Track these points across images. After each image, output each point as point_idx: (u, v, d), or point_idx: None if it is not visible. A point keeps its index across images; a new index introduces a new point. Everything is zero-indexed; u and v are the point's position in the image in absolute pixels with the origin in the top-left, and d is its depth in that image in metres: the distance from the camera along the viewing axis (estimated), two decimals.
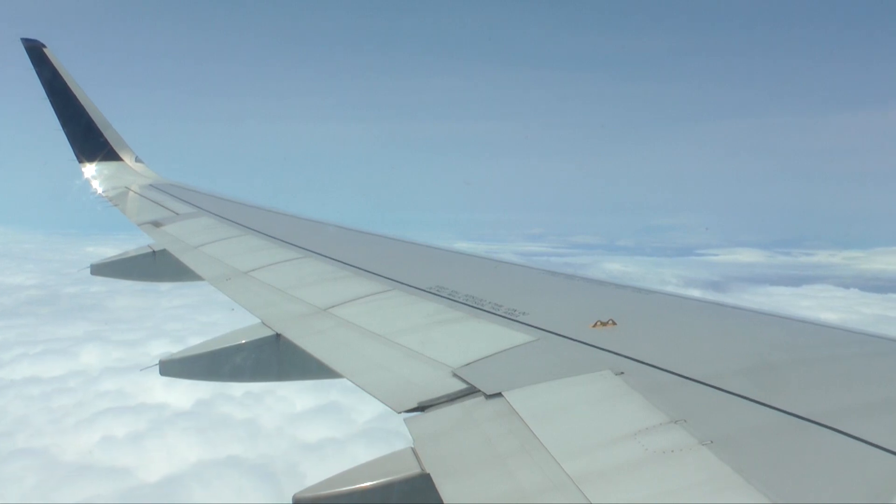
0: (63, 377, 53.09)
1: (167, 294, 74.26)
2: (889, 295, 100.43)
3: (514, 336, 3.94)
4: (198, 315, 66.71)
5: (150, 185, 11.88)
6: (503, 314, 4.35)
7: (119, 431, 43.73)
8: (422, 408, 3.28)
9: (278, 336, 4.68)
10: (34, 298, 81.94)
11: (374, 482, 2.80)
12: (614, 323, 3.97)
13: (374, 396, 3.52)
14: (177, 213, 9.53)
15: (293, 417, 45.92)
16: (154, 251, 7.82)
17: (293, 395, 46.93)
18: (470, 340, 3.98)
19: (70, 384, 52.02)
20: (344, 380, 4.58)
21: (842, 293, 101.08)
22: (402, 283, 5.31)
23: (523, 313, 4.31)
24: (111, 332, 64.42)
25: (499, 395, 3.19)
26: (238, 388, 47.29)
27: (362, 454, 39.78)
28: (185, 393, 47.84)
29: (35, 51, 12.09)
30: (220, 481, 37.31)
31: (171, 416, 46.13)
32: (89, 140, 12.66)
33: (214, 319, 63.46)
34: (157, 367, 4.95)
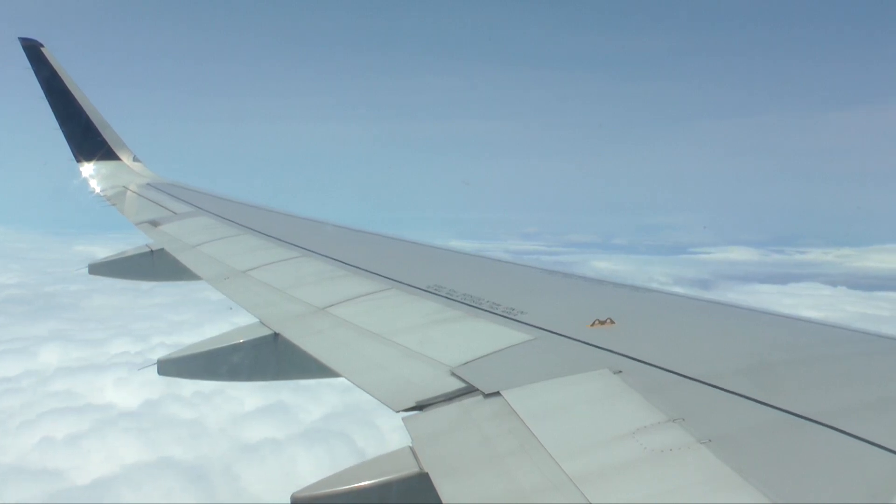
0: (17, 377, 52.65)
1: (147, 293, 74.03)
2: (875, 293, 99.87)
3: (512, 335, 3.93)
4: (169, 314, 66.74)
5: (148, 184, 11.87)
6: (501, 313, 4.35)
7: (60, 433, 43.19)
8: (420, 407, 3.28)
9: (276, 335, 4.68)
10: (12, 297, 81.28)
11: (373, 481, 2.80)
12: (613, 322, 3.97)
13: (373, 396, 3.52)
14: (175, 213, 9.52)
15: (239, 417, 45.52)
16: (152, 250, 7.81)
17: (244, 394, 46.59)
18: (468, 339, 3.97)
19: (23, 384, 51.58)
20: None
21: (828, 291, 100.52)
22: (400, 283, 5.30)
23: (521, 312, 4.31)
24: (77, 332, 64.17)
25: (497, 394, 3.19)
26: (188, 388, 47.10)
27: (300, 455, 38.93)
28: (135, 393, 47.63)
29: (33, 50, 12.06)
30: (151, 483, 36.95)
31: (116, 416, 45.64)
32: (87, 139, 12.64)
33: (185, 318, 62.66)
34: (156, 366, 4.94)
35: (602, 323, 3.96)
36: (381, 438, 40.61)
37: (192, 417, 45.39)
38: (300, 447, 40.24)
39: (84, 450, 41.33)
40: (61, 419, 44.97)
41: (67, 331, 64.70)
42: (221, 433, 43.51)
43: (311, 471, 37.32)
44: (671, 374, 3.15)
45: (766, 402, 2.76)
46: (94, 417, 45.35)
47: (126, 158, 13.08)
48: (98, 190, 11.91)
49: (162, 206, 10.05)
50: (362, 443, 40.43)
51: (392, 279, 5.41)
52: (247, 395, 46.53)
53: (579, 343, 3.71)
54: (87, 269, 8.16)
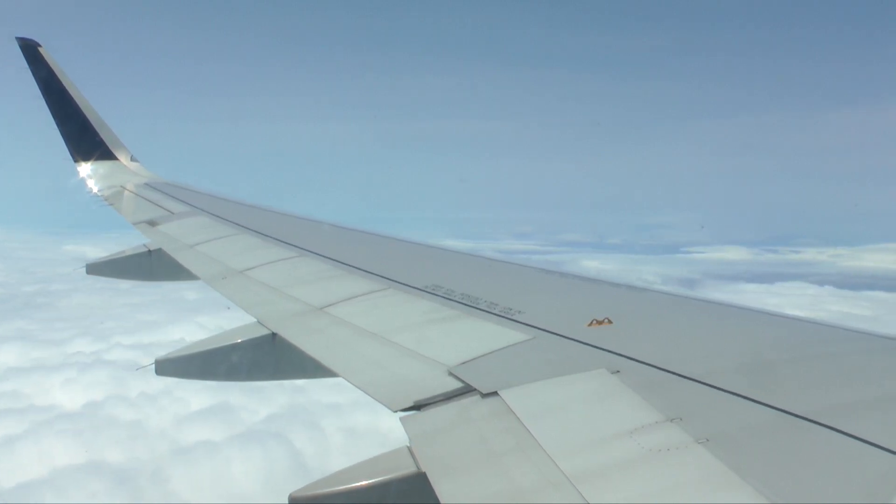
0: None
1: (126, 292, 73.79)
2: (862, 292, 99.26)
3: (509, 335, 3.93)
4: (140, 314, 66.45)
5: (146, 184, 11.86)
6: (499, 313, 4.35)
7: None
8: (418, 406, 3.28)
9: (274, 335, 4.67)
10: None
11: (371, 481, 2.80)
12: (610, 321, 3.97)
13: (370, 395, 3.51)
14: (172, 213, 9.51)
15: (181, 419, 44.67)
16: (150, 250, 7.80)
17: (190, 395, 45.73)
18: (466, 339, 3.97)
19: None
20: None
21: (814, 290, 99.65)
22: (397, 282, 5.30)
23: (519, 312, 4.31)
24: (42, 331, 63.58)
25: (495, 393, 3.19)
26: (133, 389, 46.70)
27: (235, 457, 38.28)
28: (81, 394, 47.13)
29: (30, 49, 12.04)
30: (76, 487, 36.12)
31: (55, 418, 44.68)
32: (84, 139, 12.62)
33: (154, 318, 62.40)
34: (154, 366, 4.92)
35: (600, 322, 3.96)
36: (323, 441, 40.39)
37: (134, 419, 44.60)
38: (236, 449, 39.66)
39: (16, 452, 40.42)
40: (0, 421, 43.94)
41: (33, 330, 64.07)
42: (160, 435, 42.75)
43: (243, 473, 37.19)
44: (669, 373, 3.15)
45: (764, 401, 2.76)
46: (34, 419, 44.42)
47: (123, 158, 13.07)
48: (95, 190, 11.89)
49: (159, 205, 10.04)
50: (300, 444, 40.14)
51: (390, 279, 5.40)
52: (193, 396, 45.76)
53: (577, 343, 3.71)
54: (83, 269, 8.15)
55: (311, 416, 43.11)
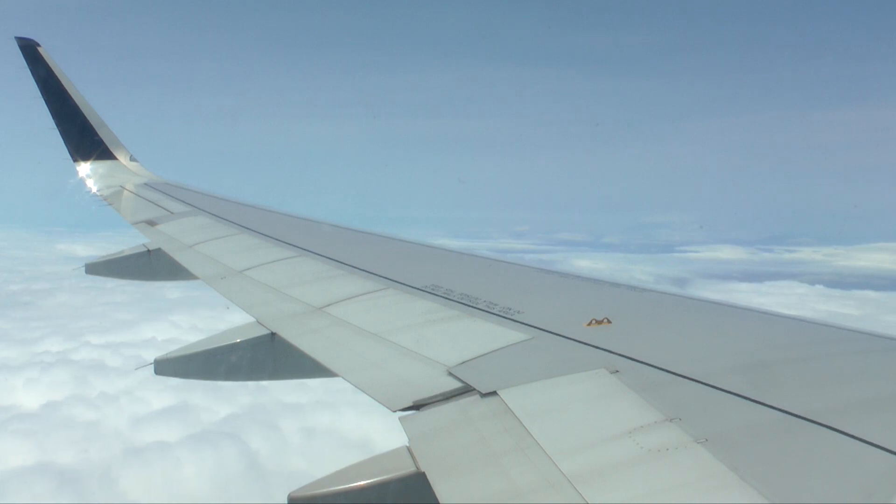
0: None
1: (110, 291, 73.58)
2: (852, 292, 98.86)
3: (508, 335, 3.93)
4: (118, 313, 65.97)
5: (145, 183, 11.86)
6: (498, 313, 4.35)
7: None
8: (417, 406, 3.28)
9: (273, 335, 4.67)
10: None
11: (369, 481, 2.80)
12: (609, 321, 3.97)
13: (369, 395, 3.51)
14: (171, 212, 9.51)
15: (139, 419, 43.85)
16: (149, 250, 7.80)
17: (152, 395, 45.00)
18: (465, 339, 3.97)
19: None
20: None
21: (803, 290, 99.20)
22: (396, 282, 5.30)
23: (518, 312, 4.31)
24: (17, 330, 63.00)
25: (494, 393, 3.19)
26: (93, 389, 46.35)
27: (186, 458, 37.77)
28: (41, 394, 46.69)
29: (29, 49, 12.05)
30: (22, 489, 35.50)
31: (11, 418, 43.88)
32: (84, 139, 12.63)
33: (129, 318, 61.84)
34: (153, 366, 4.92)
35: (599, 322, 3.96)
36: (280, 441, 39.97)
37: (91, 419, 43.81)
38: (186, 450, 39.01)
39: None
40: None
41: (8, 330, 63.33)
42: (115, 435, 41.93)
43: (194, 473, 36.58)
44: (668, 373, 3.16)
45: (763, 401, 2.76)
46: None
47: (123, 158, 13.08)
48: (95, 190, 11.89)
49: (159, 205, 10.04)
50: (256, 445, 39.80)
51: (389, 279, 5.41)
52: (155, 396, 45.04)
53: (576, 343, 3.71)
54: (83, 269, 8.15)
55: (270, 417, 42.76)
